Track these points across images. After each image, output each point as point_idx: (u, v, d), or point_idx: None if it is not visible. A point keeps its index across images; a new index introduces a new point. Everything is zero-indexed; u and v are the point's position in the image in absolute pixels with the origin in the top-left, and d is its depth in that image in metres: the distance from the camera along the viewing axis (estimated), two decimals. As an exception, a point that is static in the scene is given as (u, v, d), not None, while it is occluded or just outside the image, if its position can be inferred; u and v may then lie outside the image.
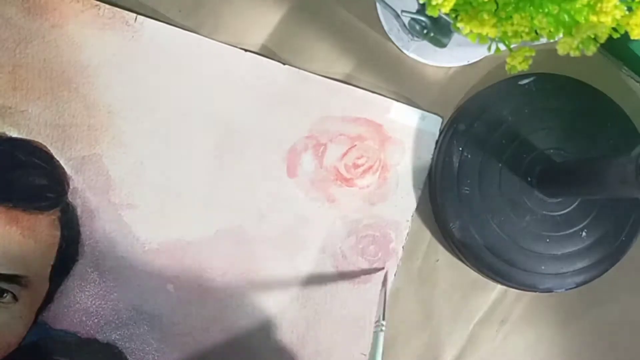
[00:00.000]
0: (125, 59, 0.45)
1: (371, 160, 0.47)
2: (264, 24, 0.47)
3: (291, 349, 0.46)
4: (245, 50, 0.46)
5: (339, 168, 0.47)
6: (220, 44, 0.46)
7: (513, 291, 0.48)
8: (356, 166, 0.47)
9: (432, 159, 0.47)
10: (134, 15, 0.45)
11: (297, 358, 0.46)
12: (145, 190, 0.45)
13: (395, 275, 0.47)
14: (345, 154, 0.47)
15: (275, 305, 0.46)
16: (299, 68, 0.46)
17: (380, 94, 0.47)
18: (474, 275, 0.47)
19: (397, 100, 0.47)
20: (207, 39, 0.46)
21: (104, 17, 0.45)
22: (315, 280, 0.46)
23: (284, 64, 0.46)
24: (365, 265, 0.47)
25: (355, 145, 0.47)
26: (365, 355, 0.46)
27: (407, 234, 0.47)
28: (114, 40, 0.45)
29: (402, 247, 0.47)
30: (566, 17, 0.29)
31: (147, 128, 0.45)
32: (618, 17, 0.27)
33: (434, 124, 0.47)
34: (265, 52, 0.47)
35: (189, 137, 0.46)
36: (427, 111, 0.47)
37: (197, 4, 0.46)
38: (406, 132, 0.47)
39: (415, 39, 0.41)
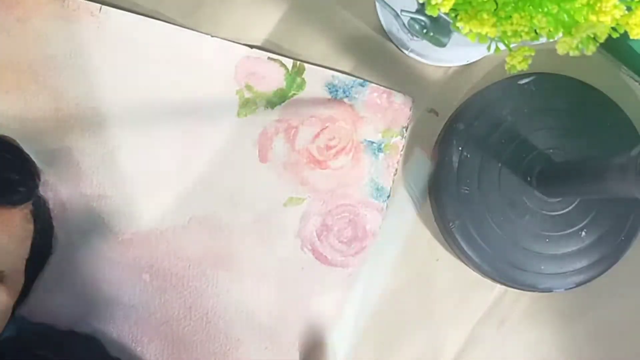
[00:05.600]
0: (92, 50, 0.45)
1: (343, 141, 0.47)
2: (264, 23, 0.47)
3: (269, 334, 0.46)
4: (212, 36, 0.46)
5: (311, 150, 0.46)
6: (186, 30, 0.46)
7: (513, 291, 0.48)
8: (329, 148, 0.46)
9: (431, 157, 0.47)
10: (99, 6, 0.45)
11: (275, 342, 0.46)
12: (117, 180, 0.45)
13: (369, 255, 0.46)
14: (317, 136, 0.46)
15: (252, 290, 0.46)
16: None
17: (349, 74, 0.47)
18: (474, 275, 0.47)
19: (367, 80, 0.47)
20: (171, 25, 0.46)
21: (69, 9, 0.45)
22: (292, 264, 0.46)
23: (252, 47, 0.46)
24: (342, 247, 0.47)
25: (327, 126, 0.46)
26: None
27: (384, 215, 0.47)
28: (80, 31, 0.45)
29: (379, 227, 0.47)
30: (565, 17, 0.29)
31: (116, 118, 0.45)
32: (617, 16, 0.27)
33: (406, 104, 0.47)
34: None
35: (158, 125, 0.46)
36: (398, 91, 0.47)
37: (197, 4, 0.46)
38: (378, 111, 0.47)
39: (415, 38, 0.41)
